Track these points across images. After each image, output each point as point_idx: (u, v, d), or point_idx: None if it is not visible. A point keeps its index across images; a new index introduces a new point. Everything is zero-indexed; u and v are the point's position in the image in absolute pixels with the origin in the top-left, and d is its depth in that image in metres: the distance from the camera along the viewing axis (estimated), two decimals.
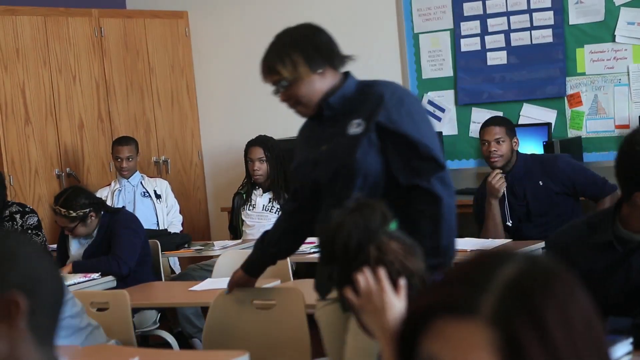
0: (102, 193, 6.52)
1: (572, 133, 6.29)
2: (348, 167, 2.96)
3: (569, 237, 2.87)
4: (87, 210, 4.98)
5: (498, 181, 5.02)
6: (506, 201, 5.11)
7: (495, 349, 0.98)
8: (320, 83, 3.07)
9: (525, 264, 1.04)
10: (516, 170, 5.16)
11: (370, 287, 1.97)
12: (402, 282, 1.99)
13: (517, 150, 5.22)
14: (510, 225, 5.12)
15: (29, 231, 5.48)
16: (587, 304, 1.04)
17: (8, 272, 1.34)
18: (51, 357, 1.37)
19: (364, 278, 1.98)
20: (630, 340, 2.53)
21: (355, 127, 3.01)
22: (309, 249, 5.17)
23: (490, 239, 4.95)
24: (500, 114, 6.37)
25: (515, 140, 5.20)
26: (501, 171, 5.09)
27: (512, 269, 1.03)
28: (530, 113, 6.42)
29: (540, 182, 5.11)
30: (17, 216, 5.55)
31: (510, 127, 5.25)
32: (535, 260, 1.05)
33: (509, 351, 0.98)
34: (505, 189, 5.09)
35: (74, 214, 4.96)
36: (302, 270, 5.55)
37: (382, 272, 1.98)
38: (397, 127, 2.95)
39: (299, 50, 3.06)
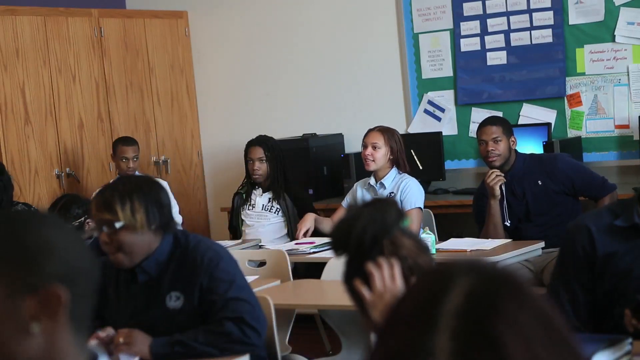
0: None
1: (571, 133, 6.28)
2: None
3: (591, 222, 2.88)
4: (82, 219, 4.98)
5: (492, 180, 5.02)
6: (505, 201, 5.10)
7: None
8: (149, 239, 3.07)
9: (468, 283, 0.98)
10: (515, 169, 5.15)
11: (386, 284, 1.96)
12: (414, 280, 1.98)
13: (515, 150, 5.21)
14: (509, 225, 5.11)
15: None
16: (539, 303, 0.99)
17: (47, 263, 1.29)
18: (84, 345, 1.34)
19: (380, 275, 1.96)
20: (630, 340, 2.52)
21: (174, 301, 3.09)
22: (309, 249, 5.16)
23: (489, 239, 4.94)
24: (500, 114, 6.37)
25: (513, 139, 5.18)
26: (498, 171, 5.08)
27: (457, 296, 0.96)
28: (530, 113, 6.41)
29: (539, 181, 5.10)
30: None
31: (507, 126, 5.24)
32: (478, 274, 0.99)
33: None
34: (504, 188, 5.08)
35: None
36: (301, 270, 5.55)
37: (397, 268, 1.97)
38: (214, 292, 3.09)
39: (142, 200, 3.04)
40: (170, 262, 3.11)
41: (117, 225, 2.99)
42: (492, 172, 5.06)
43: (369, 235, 1.97)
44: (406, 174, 5.49)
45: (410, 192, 5.38)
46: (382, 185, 5.46)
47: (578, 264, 2.86)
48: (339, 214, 5.55)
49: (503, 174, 5.07)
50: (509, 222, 5.11)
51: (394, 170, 5.47)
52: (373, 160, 5.42)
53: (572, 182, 5.09)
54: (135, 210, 3.00)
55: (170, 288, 3.09)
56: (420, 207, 5.38)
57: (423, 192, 5.48)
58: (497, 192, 5.02)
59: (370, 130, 5.51)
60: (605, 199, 5.03)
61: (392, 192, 5.43)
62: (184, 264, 3.09)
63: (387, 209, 2.00)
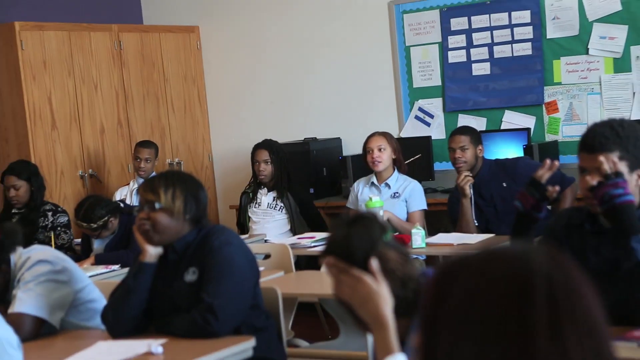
0: (122, 192, 6.57)
1: (549, 137, 6.31)
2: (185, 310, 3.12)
3: (555, 220, 2.90)
4: (106, 218, 5.00)
5: (462, 180, 5.09)
6: (473, 203, 5.18)
7: None
8: (180, 226, 3.16)
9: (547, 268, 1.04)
10: (482, 174, 5.24)
11: (350, 281, 1.96)
12: (374, 263, 1.96)
13: (482, 157, 5.28)
14: (477, 225, 5.18)
15: (58, 228, 5.51)
16: (588, 288, 1.05)
17: None
18: None
19: (332, 272, 1.97)
20: None
21: (191, 275, 3.14)
22: (310, 243, 5.19)
23: (473, 234, 4.99)
24: (484, 120, 6.42)
25: (480, 147, 5.26)
26: (469, 173, 5.15)
27: (542, 280, 1.03)
28: (512, 119, 6.44)
29: (504, 183, 5.18)
30: (50, 213, 5.58)
31: (475, 136, 5.30)
32: (552, 259, 1.06)
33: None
34: (472, 192, 5.16)
35: (95, 225, 4.98)
36: (302, 262, 5.58)
37: (352, 267, 1.96)
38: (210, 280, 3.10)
39: (183, 191, 3.16)
40: (194, 242, 3.18)
41: (157, 205, 3.11)
42: (461, 173, 5.16)
43: (359, 254, 1.96)
44: (408, 177, 5.55)
45: (416, 195, 5.47)
46: (387, 185, 5.50)
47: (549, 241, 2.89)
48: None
49: (472, 175, 5.15)
50: (477, 222, 5.18)
51: (396, 171, 5.54)
52: (381, 162, 5.47)
53: None
54: (176, 197, 3.13)
55: (189, 264, 3.16)
56: (425, 209, 5.46)
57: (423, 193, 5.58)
58: (467, 191, 5.09)
59: (371, 136, 5.56)
60: (566, 192, 5.09)
61: (397, 193, 5.48)
62: (203, 243, 3.16)
63: (370, 225, 2.00)
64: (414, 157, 6.26)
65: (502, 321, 0.98)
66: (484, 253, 1.04)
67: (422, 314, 1.04)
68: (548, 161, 3.08)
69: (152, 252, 3.18)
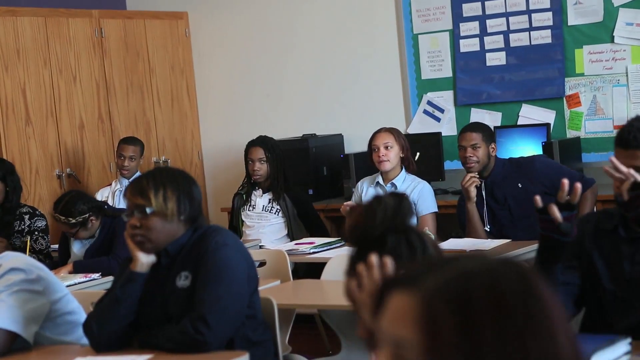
0: (103, 193, 6.54)
1: (570, 133, 6.30)
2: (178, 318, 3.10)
3: (580, 226, 2.89)
4: (87, 215, 4.98)
5: (467, 181, 5.08)
6: (485, 207, 5.15)
7: (417, 321, 1.04)
8: (176, 229, 3.14)
9: (492, 264, 1.10)
10: (494, 175, 5.22)
11: (374, 285, 1.94)
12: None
13: (495, 156, 5.26)
14: (488, 230, 5.15)
15: (35, 233, 5.49)
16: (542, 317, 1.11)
17: None
18: None
19: (370, 274, 1.95)
20: (629, 340, 2.53)
21: (183, 280, 3.13)
22: (309, 249, 5.17)
23: (487, 240, 4.97)
24: (499, 114, 6.40)
25: (493, 146, 5.24)
26: (475, 174, 5.13)
27: (476, 264, 1.09)
28: (529, 113, 6.43)
29: (519, 184, 5.15)
30: (26, 217, 5.55)
31: (488, 133, 5.30)
32: (500, 266, 1.10)
33: (426, 325, 1.03)
34: (484, 194, 5.14)
35: (74, 221, 4.96)
36: (301, 270, 5.56)
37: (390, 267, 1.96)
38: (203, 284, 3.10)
39: (175, 190, 3.13)
40: (187, 244, 3.16)
41: (149, 210, 3.07)
42: (467, 174, 5.15)
43: (387, 222, 2.02)
44: (417, 177, 5.54)
45: (426, 197, 5.47)
46: (394, 185, 5.49)
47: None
48: None
49: (478, 177, 5.13)
50: (489, 227, 5.16)
51: (404, 171, 5.53)
52: (388, 160, 5.46)
53: (551, 181, 5.10)
54: (168, 198, 3.09)
55: (181, 268, 3.14)
56: (435, 212, 5.45)
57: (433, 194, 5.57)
58: (472, 193, 5.08)
59: (377, 132, 5.54)
60: (586, 194, 5.07)
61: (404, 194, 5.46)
62: (196, 246, 3.14)
63: (402, 202, 2.09)
64: (415, 157, 6.23)
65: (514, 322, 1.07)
66: (462, 271, 1.08)
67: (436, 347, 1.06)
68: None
69: (145, 261, 3.14)
